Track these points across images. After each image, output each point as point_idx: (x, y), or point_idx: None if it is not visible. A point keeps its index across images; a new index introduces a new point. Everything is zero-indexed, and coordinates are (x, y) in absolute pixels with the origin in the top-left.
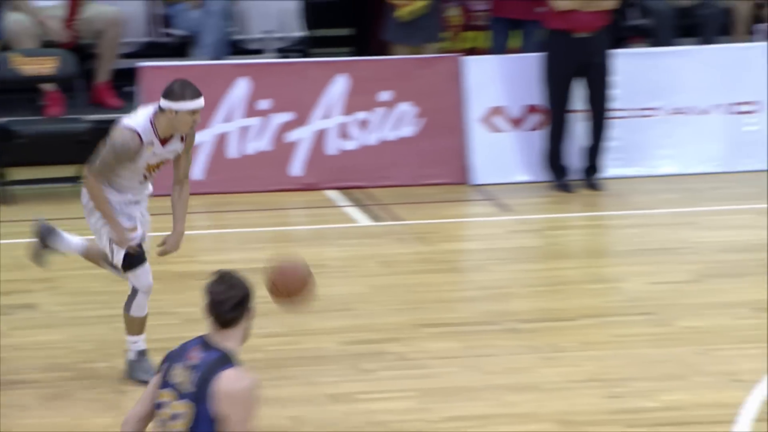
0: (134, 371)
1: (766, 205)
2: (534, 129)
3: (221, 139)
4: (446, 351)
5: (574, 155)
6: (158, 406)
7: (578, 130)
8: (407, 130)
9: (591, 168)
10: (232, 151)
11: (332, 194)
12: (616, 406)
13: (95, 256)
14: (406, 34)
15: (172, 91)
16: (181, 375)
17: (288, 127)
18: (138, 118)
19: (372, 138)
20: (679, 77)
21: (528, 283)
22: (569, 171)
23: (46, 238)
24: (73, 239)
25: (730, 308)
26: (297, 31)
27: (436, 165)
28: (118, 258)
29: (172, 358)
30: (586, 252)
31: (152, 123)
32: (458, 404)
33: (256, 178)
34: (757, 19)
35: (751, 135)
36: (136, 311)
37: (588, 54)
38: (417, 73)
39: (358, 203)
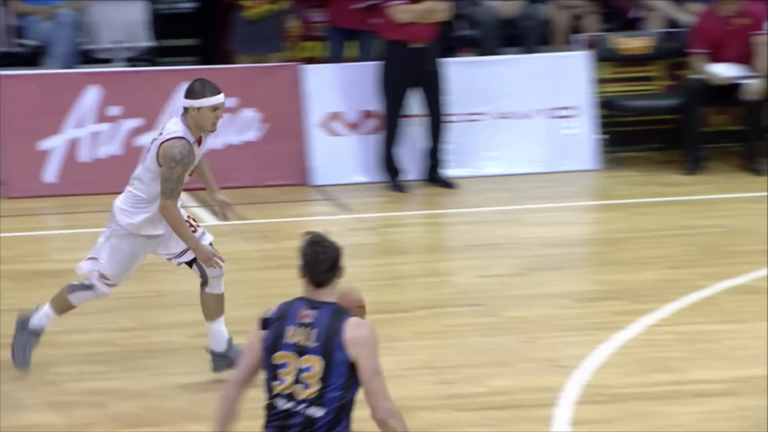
0: (21, 338)
1: (584, 203)
2: (370, 133)
3: (73, 144)
4: None
5: (409, 157)
6: (279, 366)
7: (416, 134)
8: (251, 135)
9: (434, 167)
10: (84, 155)
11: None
12: (447, 392)
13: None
14: (251, 44)
15: (192, 90)
16: (297, 334)
17: (137, 132)
18: (173, 128)
19: (218, 142)
20: (504, 84)
21: (365, 277)
22: (403, 172)
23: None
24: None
25: (553, 299)
26: (145, 41)
27: (279, 167)
28: (101, 269)
29: (277, 321)
30: (420, 248)
31: (187, 126)
32: None
33: (108, 181)
34: (575, 30)
35: (570, 138)
36: (74, 298)
37: (422, 63)
38: (259, 81)
39: (205, 204)
